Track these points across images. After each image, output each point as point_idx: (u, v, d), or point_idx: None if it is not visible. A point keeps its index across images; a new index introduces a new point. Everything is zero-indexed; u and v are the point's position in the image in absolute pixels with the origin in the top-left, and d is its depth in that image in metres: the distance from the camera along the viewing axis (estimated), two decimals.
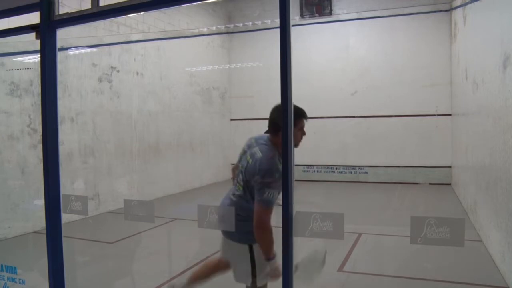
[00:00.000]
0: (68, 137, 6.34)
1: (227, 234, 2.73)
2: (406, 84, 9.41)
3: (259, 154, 2.58)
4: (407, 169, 9.49)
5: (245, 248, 2.65)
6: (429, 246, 1.80)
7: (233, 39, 11.10)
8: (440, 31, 9.02)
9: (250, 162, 2.60)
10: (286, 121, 1.98)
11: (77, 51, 6.62)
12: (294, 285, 2.03)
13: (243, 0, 10.55)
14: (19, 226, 5.52)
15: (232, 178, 2.94)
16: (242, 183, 2.64)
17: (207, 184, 9.68)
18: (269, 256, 2.51)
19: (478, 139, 5.39)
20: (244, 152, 2.77)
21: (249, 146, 2.77)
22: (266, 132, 2.83)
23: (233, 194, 2.72)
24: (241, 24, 10.16)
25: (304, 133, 2.66)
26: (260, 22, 9.55)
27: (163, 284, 3.87)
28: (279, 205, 2.01)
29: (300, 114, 2.65)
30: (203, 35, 9.93)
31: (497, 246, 4.12)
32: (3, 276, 2.90)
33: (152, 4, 2.30)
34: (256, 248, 2.62)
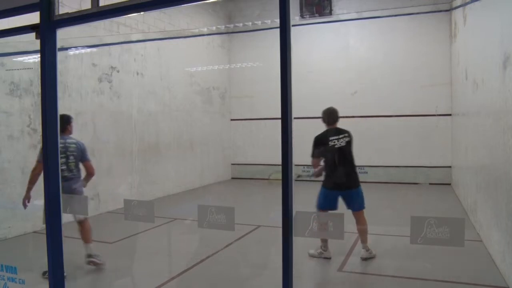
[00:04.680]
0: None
1: None
2: (406, 84, 9.41)
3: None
4: (407, 169, 9.49)
5: None
6: (429, 246, 1.80)
7: (233, 39, 11.10)
8: (440, 31, 9.02)
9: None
10: (286, 121, 1.98)
11: (77, 51, 6.62)
12: (294, 285, 2.03)
13: (243, 0, 10.55)
14: (19, 226, 5.52)
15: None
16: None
17: (207, 184, 9.68)
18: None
19: (478, 139, 5.39)
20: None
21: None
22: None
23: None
24: (241, 24, 10.15)
25: None
26: (260, 22, 9.55)
27: (163, 284, 3.88)
28: None
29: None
30: (203, 35, 9.93)
31: (497, 246, 4.12)
32: (3, 276, 2.90)
33: (152, 4, 2.30)
34: None
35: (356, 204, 4.45)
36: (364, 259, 4.34)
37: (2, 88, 5.45)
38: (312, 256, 4.43)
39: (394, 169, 9.59)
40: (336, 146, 4.40)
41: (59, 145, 3.84)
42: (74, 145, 4.24)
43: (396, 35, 9.53)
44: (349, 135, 4.54)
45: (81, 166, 4.34)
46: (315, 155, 4.49)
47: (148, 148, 8.05)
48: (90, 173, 4.37)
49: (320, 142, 4.49)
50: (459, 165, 7.75)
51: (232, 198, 8.05)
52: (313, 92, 9.65)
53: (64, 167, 4.10)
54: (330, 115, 4.65)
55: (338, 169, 4.40)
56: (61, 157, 3.98)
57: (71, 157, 4.21)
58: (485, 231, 4.78)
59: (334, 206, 4.31)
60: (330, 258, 4.39)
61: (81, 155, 4.29)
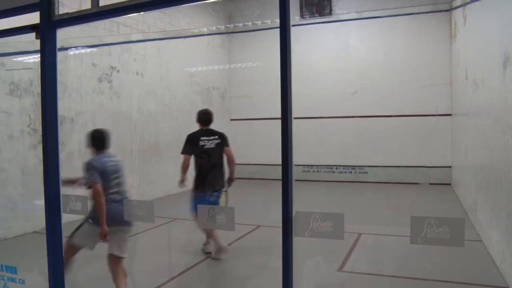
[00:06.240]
0: (68, 137, 6.34)
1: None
2: (406, 84, 9.41)
3: None
4: (407, 169, 9.49)
5: None
6: (429, 246, 1.80)
7: (233, 39, 11.10)
8: (440, 31, 9.02)
9: None
10: (286, 121, 1.98)
11: (77, 51, 6.62)
12: (294, 285, 2.03)
13: (243, 0, 10.55)
14: (19, 226, 5.52)
15: None
16: None
17: None
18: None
19: (478, 139, 5.39)
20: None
21: None
22: None
23: None
24: (241, 24, 10.15)
25: None
26: (260, 22, 9.55)
27: (163, 284, 3.88)
28: None
29: None
30: (203, 35, 9.93)
31: (497, 246, 4.12)
32: (3, 276, 2.90)
33: (152, 4, 2.30)
34: None
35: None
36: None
37: (2, 88, 5.45)
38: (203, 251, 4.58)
39: (394, 169, 9.60)
40: (205, 147, 4.44)
41: (111, 163, 3.50)
42: (120, 163, 3.66)
43: (396, 35, 9.53)
44: (221, 138, 4.56)
45: None
46: (184, 151, 4.56)
47: (148, 148, 8.05)
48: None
49: (191, 140, 4.53)
50: (459, 165, 7.75)
51: (232, 198, 8.04)
52: (313, 92, 9.67)
53: (118, 188, 3.51)
54: (204, 116, 4.68)
55: (205, 170, 4.43)
56: (116, 177, 3.50)
57: (122, 177, 3.58)
58: (485, 231, 4.79)
59: None
60: (210, 253, 4.48)
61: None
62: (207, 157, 4.33)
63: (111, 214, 3.36)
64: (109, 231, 3.28)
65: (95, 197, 3.34)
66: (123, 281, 3.38)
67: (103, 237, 3.28)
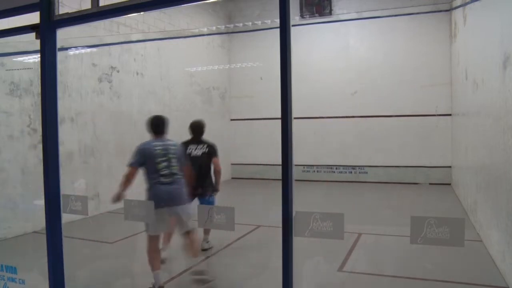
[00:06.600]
0: (68, 137, 6.34)
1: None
2: (406, 84, 9.41)
3: None
4: (407, 169, 9.49)
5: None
6: (429, 246, 1.80)
7: (233, 39, 11.10)
8: (440, 31, 9.02)
9: None
10: (286, 121, 1.98)
11: (77, 51, 6.62)
12: (294, 285, 2.03)
13: (243, 0, 10.55)
14: (19, 226, 5.52)
15: None
16: None
17: None
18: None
19: (478, 139, 5.39)
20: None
21: None
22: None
23: None
24: (241, 24, 10.15)
25: None
26: (260, 22, 9.55)
27: (163, 284, 3.87)
28: None
29: None
30: (203, 35, 9.92)
31: (497, 246, 4.12)
32: (3, 276, 2.90)
33: (152, 4, 2.30)
34: None
35: None
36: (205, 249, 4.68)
37: (2, 88, 5.45)
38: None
39: (394, 169, 9.60)
40: (191, 155, 4.60)
41: (158, 148, 3.80)
42: (174, 147, 3.88)
43: (396, 35, 9.53)
44: (210, 148, 4.76)
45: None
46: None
47: None
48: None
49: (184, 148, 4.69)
50: (459, 165, 7.75)
51: (232, 198, 8.05)
52: (313, 92, 9.67)
53: (166, 171, 3.75)
54: (195, 128, 4.88)
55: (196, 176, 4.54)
56: (163, 160, 3.74)
57: (173, 160, 3.80)
58: (485, 231, 4.79)
59: None
60: (206, 249, 4.72)
61: (182, 157, 3.96)
62: (192, 164, 4.40)
63: (159, 195, 3.68)
64: (162, 212, 3.59)
65: (125, 176, 3.75)
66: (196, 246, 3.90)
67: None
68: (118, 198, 3.72)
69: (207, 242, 4.81)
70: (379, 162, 9.71)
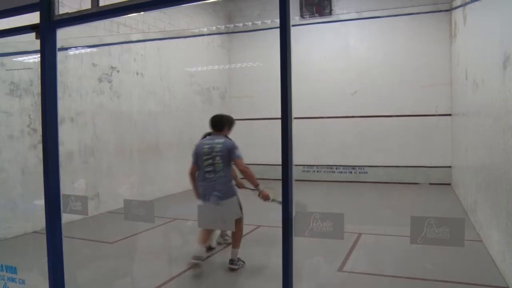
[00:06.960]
0: (68, 137, 6.34)
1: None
2: (406, 84, 9.41)
3: None
4: (407, 169, 9.49)
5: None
6: (429, 246, 1.80)
7: (233, 39, 11.10)
8: (440, 31, 9.02)
9: None
10: (286, 121, 1.98)
11: (77, 51, 6.62)
12: (294, 285, 2.03)
13: (243, 0, 10.55)
14: (19, 226, 5.52)
15: None
16: None
17: None
18: (257, 183, 4.07)
19: (478, 139, 5.39)
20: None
21: None
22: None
23: None
24: (241, 24, 10.15)
25: None
26: (260, 22, 9.55)
27: (163, 284, 3.88)
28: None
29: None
30: (203, 35, 9.92)
31: (497, 246, 4.12)
32: (3, 276, 2.90)
33: (152, 4, 2.30)
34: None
35: None
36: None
37: (2, 88, 5.45)
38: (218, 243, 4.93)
39: (394, 169, 9.59)
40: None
41: (206, 146, 4.07)
42: (220, 145, 4.03)
43: (396, 35, 9.53)
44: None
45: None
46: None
47: (148, 148, 8.05)
48: (241, 171, 4.08)
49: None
50: (459, 165, 7.75)
51: None
52: (313, 92, 9.66)
53: (210, 168, 4.04)
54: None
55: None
56: (207, 158, 4.01)
57: (217, 158, 4.01)
58: (485, 231, 4.78)
59: None
60: (214, 248, 4.82)
61: (229, 154, 4.03)
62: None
63: (203, 191, 4.09)
64: (207, 206, 3.85)
65: (189, 174, 4.21)
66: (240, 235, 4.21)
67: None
68: (196, 194, 4.21)
69: (224, 237, 4.98)
70: (379, 162, 9.71)
